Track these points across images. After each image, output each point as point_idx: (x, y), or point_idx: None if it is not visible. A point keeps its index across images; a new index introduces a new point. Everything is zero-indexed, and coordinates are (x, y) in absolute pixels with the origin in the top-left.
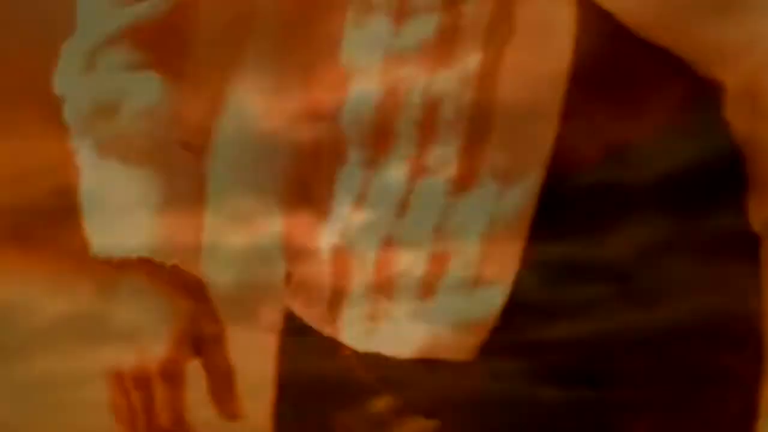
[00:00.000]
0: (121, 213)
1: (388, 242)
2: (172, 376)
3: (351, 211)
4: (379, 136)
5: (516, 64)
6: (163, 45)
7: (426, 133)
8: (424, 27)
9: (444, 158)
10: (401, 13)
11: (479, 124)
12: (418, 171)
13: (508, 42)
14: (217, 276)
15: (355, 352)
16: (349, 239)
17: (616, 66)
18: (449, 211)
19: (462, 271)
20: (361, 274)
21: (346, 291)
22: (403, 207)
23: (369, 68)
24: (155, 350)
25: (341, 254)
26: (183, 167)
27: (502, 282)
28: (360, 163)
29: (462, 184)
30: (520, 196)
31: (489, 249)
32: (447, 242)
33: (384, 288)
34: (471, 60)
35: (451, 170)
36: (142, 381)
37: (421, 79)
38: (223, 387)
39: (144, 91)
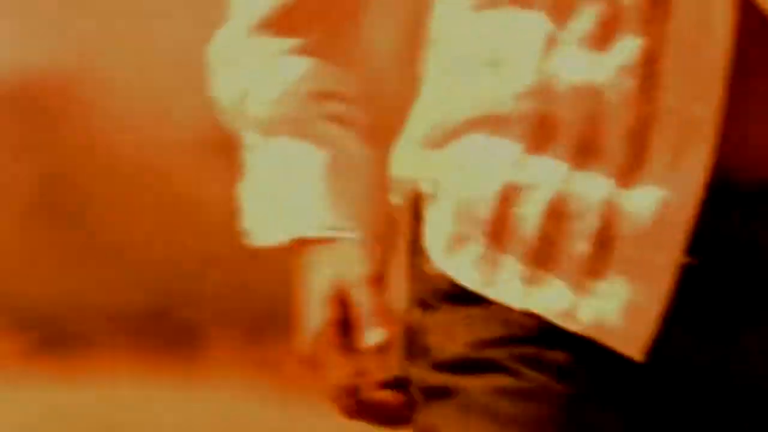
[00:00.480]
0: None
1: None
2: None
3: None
4: (540, 127)
5: (677, 50)
6: (316, 26)
7: (590, 121)
8: (584, 18)
9: (610, 147)
10: (560, 7)
11: (643, 111)
12: (580, 161)
13: (667, 27)
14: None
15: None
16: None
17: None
18: (616, 200)
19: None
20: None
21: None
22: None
23: (519, 62)
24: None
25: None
26: (335, 141)
27: (664, 277)
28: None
29: (628, 173)
30: (686, 185)
31: (660, 233)
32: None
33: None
34: (632, 47)
35: (618, 158)
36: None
37: (585, 71)
38: (380, 313)
39: (289, 71)
